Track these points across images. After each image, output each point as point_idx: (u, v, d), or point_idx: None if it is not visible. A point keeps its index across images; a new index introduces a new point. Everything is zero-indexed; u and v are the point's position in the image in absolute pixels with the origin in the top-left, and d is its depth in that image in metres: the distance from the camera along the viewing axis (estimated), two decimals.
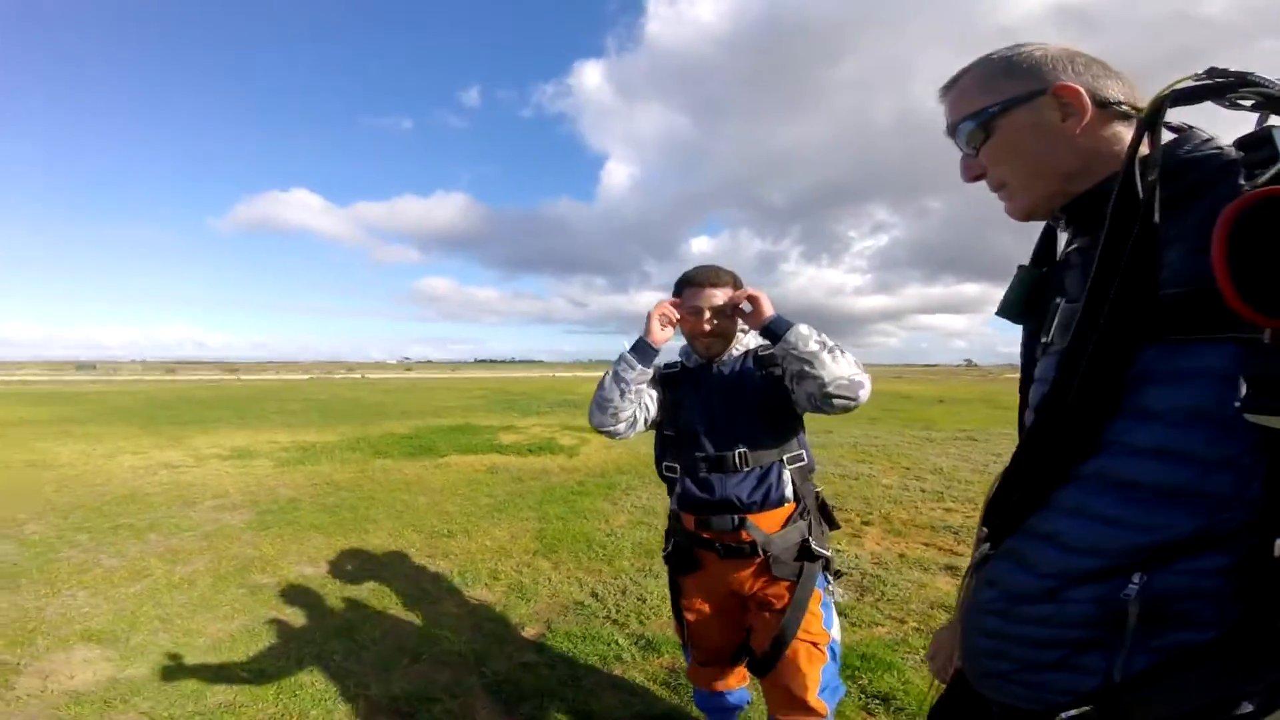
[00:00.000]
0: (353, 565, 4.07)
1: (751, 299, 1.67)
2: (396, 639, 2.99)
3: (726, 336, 1.77)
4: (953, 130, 0.83)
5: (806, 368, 1.54)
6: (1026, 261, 0.93)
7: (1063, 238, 0.88)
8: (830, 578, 1.77)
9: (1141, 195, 0.65)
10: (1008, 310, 0.92)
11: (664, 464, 1.85)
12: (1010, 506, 0.79)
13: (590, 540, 4.52)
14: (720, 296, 1.73)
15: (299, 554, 4.27)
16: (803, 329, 1.57)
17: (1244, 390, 0.57)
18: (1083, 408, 0.69)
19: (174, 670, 2.65)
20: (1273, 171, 0.58)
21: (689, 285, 1.77)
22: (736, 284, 1.77)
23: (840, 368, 1.54)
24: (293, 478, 6.97)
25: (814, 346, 1.54)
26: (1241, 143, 0.66)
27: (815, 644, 1.66)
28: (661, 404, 1.84)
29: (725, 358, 1.80)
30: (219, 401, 19.14)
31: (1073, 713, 0.69)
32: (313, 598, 3.52)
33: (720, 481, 1.70)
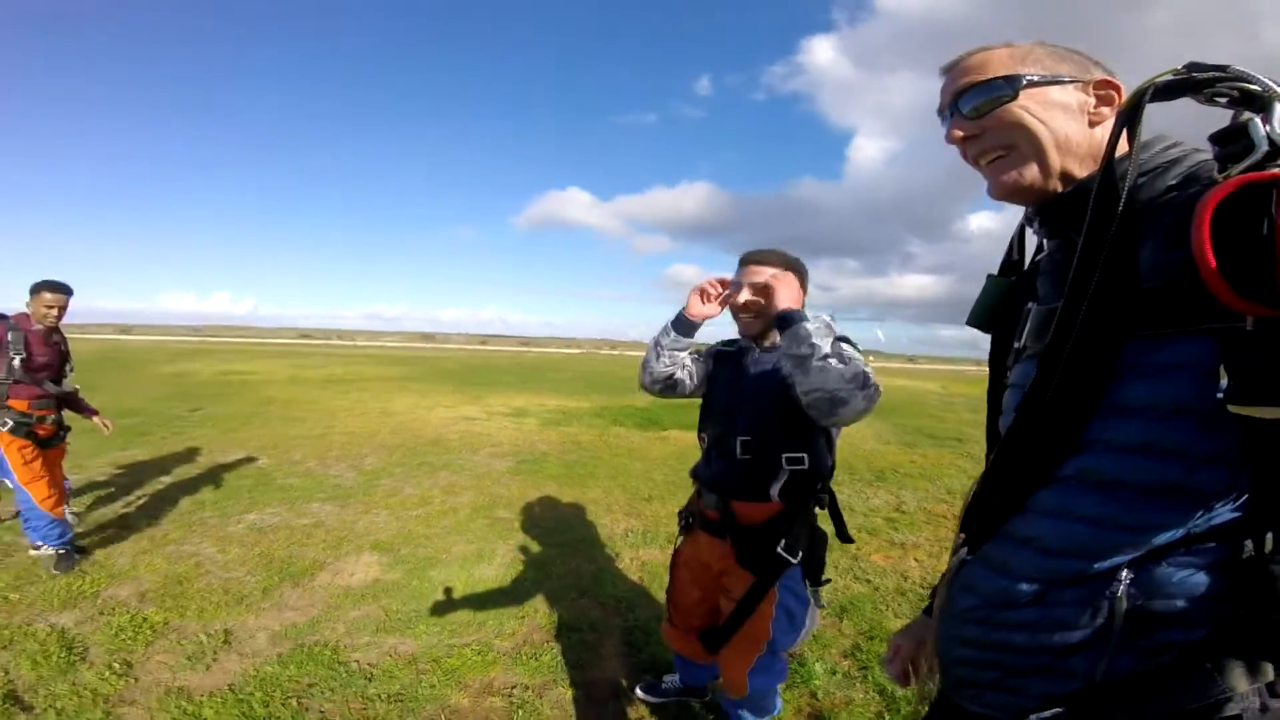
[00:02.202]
0: (569, 512, 4.71)
1: (768, 286, 1.60)
2: (575, 577, 3.47)
3: (763, 318, 1.72)
4: (967, 89, 0.80)
5: (793, 368, 1.48)
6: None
7: (1030, 246, 0.92)
8: (808, 585, 1.76)
9: (1122, 191, 0.66)
10: (977, 319, 0.93)
11: (699, 433, 1.94)
12: (988, 511, 0.79)
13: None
14: (760, 275, 1.68)
15: (535, 497, 5.07)
16: (805, 327, 1.46)
17: (1225, 382, 0.57)
18: (1062, 406, 0.69)
19: (418, 578, 3.43)
20: (1249, 162, 0.58)
21: (741, 263, 1.77)
22: (788, 266, 1.71)
23: (820, 379, 1.41)
24: (549, 435, 8.14)
25: (804, 350, 1.44)
26: (1216, 137, 0.64)
27: (756, 638, 1.73)
28: (706, 377, 1.93)
29: (768, 344, 1.78)
30: (512, 369, 23.10)
31: (1046, 714, 0.68)
32: (531, 534, 4.19)
33: (718, 462, 1.78)
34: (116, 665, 2.39)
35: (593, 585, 3.35)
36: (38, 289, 3.31)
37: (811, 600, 1.78)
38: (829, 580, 1.94)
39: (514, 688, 2.41)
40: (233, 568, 3.41)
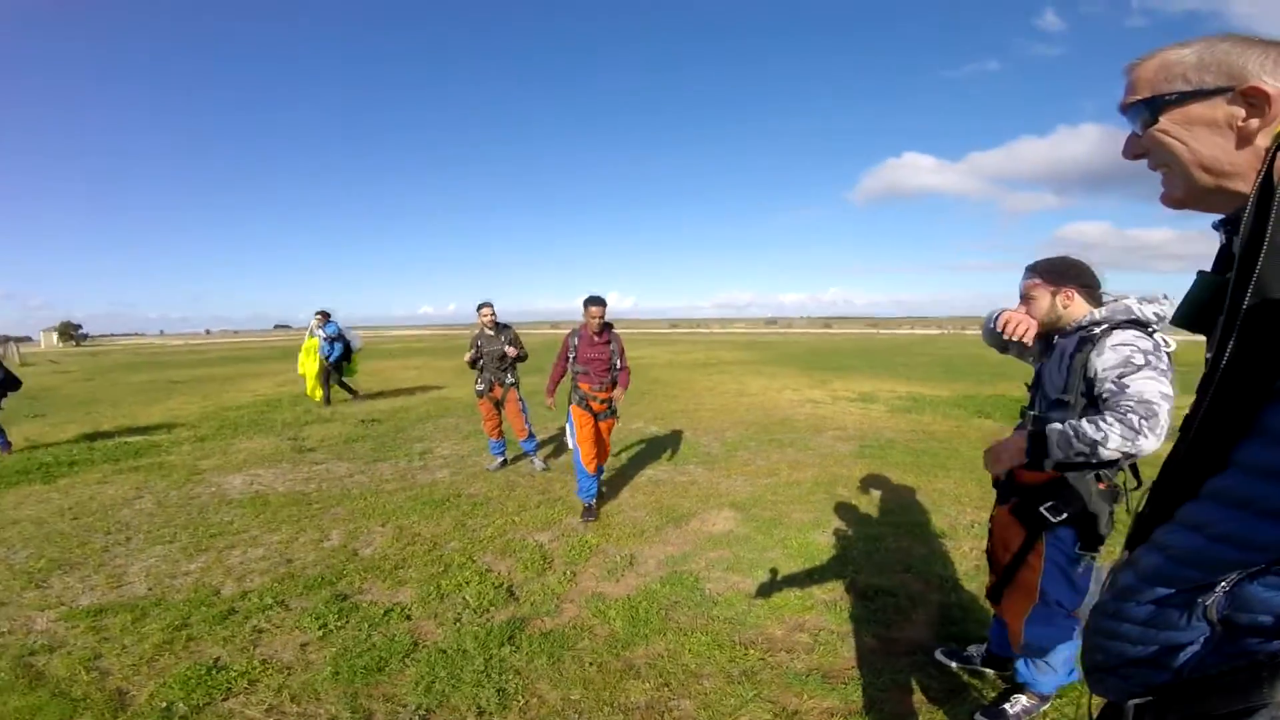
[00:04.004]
0: (910, 498, 4.73)
1: (1010, 319, 1.99)
2: (904, 554, 3.61)
3: (1039, 327, 2.02)
4: (1125, 110, 0.84)
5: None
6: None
7: None
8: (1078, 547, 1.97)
9: (1274, 215, 0.65)
10: (1181, 318, 0.88)
11: None
12: (1146, 518, 0.84)
13: None
14: (1025, 292, 2.05)
15: (876, 480, 5.24)
16: (1051, 453, 1.80)
17: None
18: (1214, 425, 0.72)
19: (763, 533, 4.06)
20: None
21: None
22: (1041, 274, 1.99)
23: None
24: (897, 423, 8.02)
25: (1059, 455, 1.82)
26: None
27: (1028, 588, 2.06)
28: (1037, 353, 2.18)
29: (1061, 328, 2.01)
30: (857, 352, 22.57)
31: (1139, 701, 0.78)
32: (867, 512, 4.44)
33: (1017, 434, 2.01)
34: (568, 573, 3.51)
35: (920, 564, 3.47)
36: (586, 304, 4.52)
37: (1087, 563, 1.93)
38: (1097, 551, 1.94)
39: (821, 630, 2.82)
40: (638, 509, 4.60)
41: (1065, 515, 1.91)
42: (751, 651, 2.65)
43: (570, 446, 4.50)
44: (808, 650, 2.66)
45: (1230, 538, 0.68)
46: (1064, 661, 2.08)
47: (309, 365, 10.02)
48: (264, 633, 2.92)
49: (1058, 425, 1.77)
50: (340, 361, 10.19)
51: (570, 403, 4.54)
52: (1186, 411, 0.80)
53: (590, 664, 2.58)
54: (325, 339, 9.90)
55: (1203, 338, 0.89)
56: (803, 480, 5.25)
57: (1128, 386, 1.69)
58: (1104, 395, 1.74)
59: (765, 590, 3.21)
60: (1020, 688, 2.18)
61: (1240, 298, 0.67)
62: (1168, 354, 1.79)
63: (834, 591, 3.19)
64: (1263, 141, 0.72)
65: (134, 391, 13.72)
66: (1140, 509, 0.88)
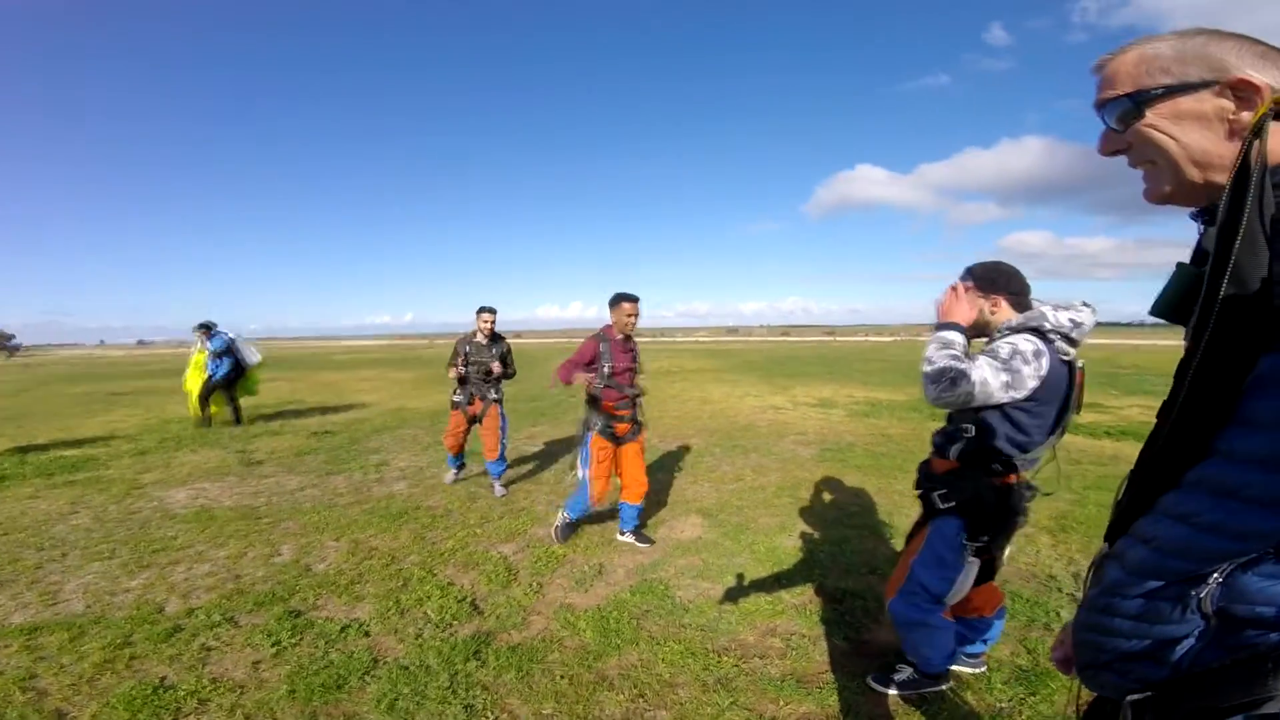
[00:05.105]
0: (872, 500, 4.81)
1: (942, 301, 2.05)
2: (868, 556, 3.67)
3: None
4: (1102, 105, 0.82)
5: None
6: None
7: None
8: (964, 539, 2.12)
9: (1249, 204, 0.65)
10: (1159, 308, 0.87)
11: None
12: (1126, 510, 0.83)
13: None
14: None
15: (838, 483, 5.31)
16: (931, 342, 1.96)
17: None
18: (1193, 415, 0.71)
19: (730, 539, 4.05)
20: None
21: None
22: (974, 277, 2.08)
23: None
24: (856, 426, 8.18)
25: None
26: None
27: (905, 564, 2.31)
28: None
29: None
30: (815, 359, 23.05)
31: (1136, 697, 0.77)
32: (830, 515, 4.47)
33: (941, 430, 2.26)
34: (534, 584, 3.42)
35: (885, 565, 3.51)
36: (616, 301, 3.88)
37: (965, 553, 2.08)
38: (984, 544, 2.07)
39: (793, 635, 2.82)
40: (604, 518, 4.51)
41: (953, 503, 2.09)
42: (725, 659, 2.62)
43: (580, 478, 3.97)
44: (781, 655, 2.65)
45: (1218, 527, 0.67)
46: (937, 645, 2.22)
47: (194, 382, 8.89)
48: (213, 651, 2.75)
49: (964, 343, 1.94)
50: (230, 378, 8.98)
51: (588, 430, 3.91)
52: (1164, 399, 0.79)
53: (561, 677, 2.50)
54: (211, 354, 8.79)
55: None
56: (767, 485, 5.29)
57: (974, 359, 1.91)
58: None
59: (733, 595, 3.19)
60: (909, 661, 2.35)
61: (1217, 286, 0.67)
62: (1066, 361, 1.93)
63: (803, 595, 3.20)
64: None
65: (70, 404, 12.87)
66: (1119, 499, 0.87)
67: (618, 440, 3.94)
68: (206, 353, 8.86)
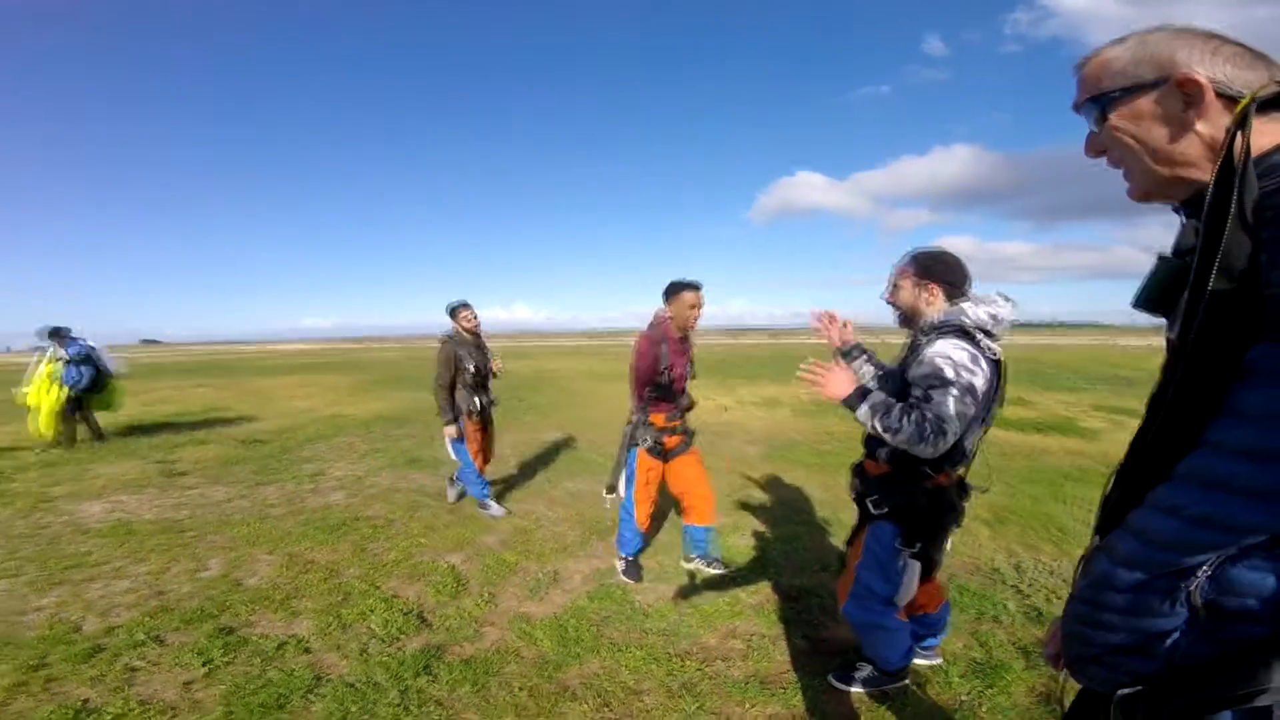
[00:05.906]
0: (819, 497, 4.91)
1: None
2: (819, 553, 3.73)
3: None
4: (1077, 109, 0.85)
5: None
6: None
7: None
8: (899, 543, 2.11)
9: (1235, 195, 0.66)
10: (1140, 301, 0.88)
11: None
12: (1115, 503, 0.83)
13: (1050, 521, 4.27)
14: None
15: (786, 481, 5.40)
16: (861, 411, 1.94)
17: None
18: (1183, 405, 0.71)
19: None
20: None
21: None
22: (908, 266, 2.06)
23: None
24: (801, 425, 8.36)
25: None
26: None
27: (850, 567, 2.30)
28: None
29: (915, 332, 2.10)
30: (766, 360, 23.49)
31: (1127, 691, 0.76)
32: (780, 513, 4.55)
33: None
34: (485, 594, 3.28)
35: (836, 562, 3.55)
36: (675, 290, 3.24)
37: (903, 557, 2.06)
38: (920, 548, 2.07)
39: (753, 635, 2.82)
40: (559, 523, 4.42)
41: (886, 509, 2.09)
42: (689, 662, 2.58)
43: (622, 496, 3.43)
44: (743, 657, 2.64)
45: (1208, 519, 0.67)
46: (894, 646, 2.22)
47: (45, 396, 7.37)
48: (139, 671, 2.53)
49: (882, 394, 1.92)
50: (88, 391, 7.66)
51: (634, 445, 3.32)
52: (1153, 391, 0.79)
53: (520, 689, 2.40)
54: (69, 362, 7.43)
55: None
56: (717, 485, 5.27)
57: (931, 399, 1.82)
58: (913, 399, 1.87)
59: (686, 593, 3.18)
60: (869, 659, 2.35)
61: (1205, 277, 0.67)
62: (993, 360, 1.91)
63: (759, 595, 3.21)
64: (1205, 129, 0.73)
65: None
66: (1108, 492, 0.87)
67: (666, 456, 3.38)
68: (59, 362, 7.46)
